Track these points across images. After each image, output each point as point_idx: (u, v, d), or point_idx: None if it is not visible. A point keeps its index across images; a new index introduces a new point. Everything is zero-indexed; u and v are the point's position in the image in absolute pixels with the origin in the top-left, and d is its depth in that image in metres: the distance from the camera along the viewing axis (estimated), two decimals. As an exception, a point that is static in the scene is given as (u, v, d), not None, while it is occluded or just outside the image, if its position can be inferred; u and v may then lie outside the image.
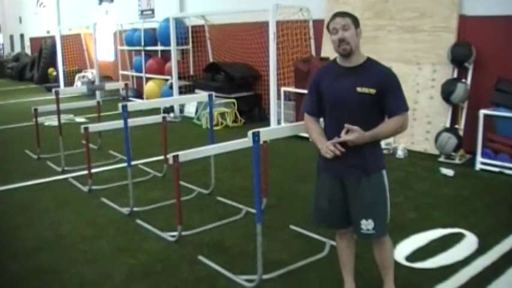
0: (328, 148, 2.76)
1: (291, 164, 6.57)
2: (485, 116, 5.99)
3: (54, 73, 16.92)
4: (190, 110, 10.34)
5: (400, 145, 6.81)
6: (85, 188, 5.62)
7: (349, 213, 2.89)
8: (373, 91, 2.71)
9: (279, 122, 8.27)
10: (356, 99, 2.73)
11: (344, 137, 2.72)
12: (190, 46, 11.47)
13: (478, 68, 6.53)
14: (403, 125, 2.80)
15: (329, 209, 2.94)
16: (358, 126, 2.70)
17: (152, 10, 13.18)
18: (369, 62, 2.82)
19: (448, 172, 5.90)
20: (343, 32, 2.73)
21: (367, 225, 2.80)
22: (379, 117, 2.81)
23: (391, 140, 6.90)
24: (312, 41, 8.74)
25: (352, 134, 2.70)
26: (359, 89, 2.72)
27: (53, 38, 16.71)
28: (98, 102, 7.68)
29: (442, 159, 6.48)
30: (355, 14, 2.83)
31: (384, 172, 2.88)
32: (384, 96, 2.73)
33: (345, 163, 2.80)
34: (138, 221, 4.63)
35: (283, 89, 8.43)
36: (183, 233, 4.23)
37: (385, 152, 6.15)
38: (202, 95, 5.90)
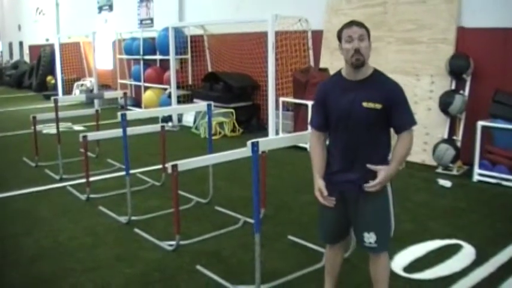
0: (320, 191, 2.76)
1: (289, 174, 6.58)
2: (483, 127, 6.02)
3: (53, 81, 16.95)
4: (188, 119, 10.35)
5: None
6: (83, 197, 5.62)
7: (350, 226, 2.87)
8: (379, 106, 2.64)
9: (277, 132, 8.29)
10: (362, 114, 2.66)
11: (371, 184, 2.68)
12: (189, 55, 11.49)
13: (476, 79, 6.56)
14: (412, 140, 2.74)
15: (333, 225, 2.93)
16: (363, 140, 2.68)
17: (151, 19, 13.23)
18: (375, 74, 2.74)
19: (446, 183, 5.92)
20: (360, 42, 2.65)
21: (369, 238, 2.77)
22: (384, 131, 2.76)
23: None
24: (311, 52, 8.78)
25: (379, 175, 2.67)
26: (365, 104, 2.65)
27: (52, 46, 16.77)
28: (97, 110, 7.69)
29: (439, 170, 6.50)
30: None
31: (388, 185, 2.84)
32: (390, 111, 2.66)
33: (347, 178, 2.77)
34: (136, 230, 4.63)
35: (281, 99, 8.45)
36: (181, 243, 4.23)
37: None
38: (200, 105, 5.90)
